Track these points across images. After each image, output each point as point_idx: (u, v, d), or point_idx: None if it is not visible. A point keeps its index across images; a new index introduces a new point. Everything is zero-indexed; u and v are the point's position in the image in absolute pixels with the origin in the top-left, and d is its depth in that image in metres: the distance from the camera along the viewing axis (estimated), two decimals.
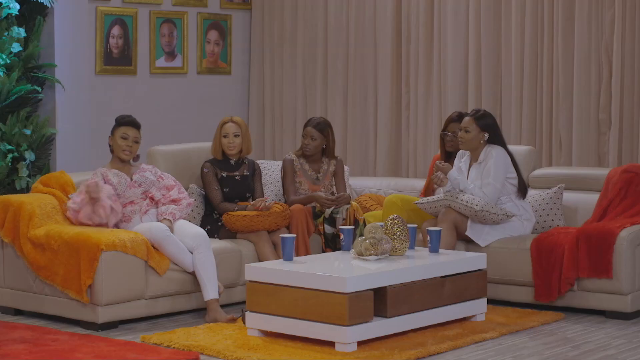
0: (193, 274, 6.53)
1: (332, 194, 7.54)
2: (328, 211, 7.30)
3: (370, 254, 6.08)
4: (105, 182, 6.60)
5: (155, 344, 5.85)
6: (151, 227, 6.47)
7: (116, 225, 6.62)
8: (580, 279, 6.58)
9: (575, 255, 6.54)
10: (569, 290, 6.61)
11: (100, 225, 6.49)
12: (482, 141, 7.00)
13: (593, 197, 7.16)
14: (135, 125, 6.74)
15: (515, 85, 8.40)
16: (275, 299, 5.82)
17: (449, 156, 7.42)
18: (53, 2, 7.97)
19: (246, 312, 5.99)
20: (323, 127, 7.57)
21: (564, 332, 6.16)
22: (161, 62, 9.21)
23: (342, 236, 6.43)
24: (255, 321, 5.94)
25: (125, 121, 6.73)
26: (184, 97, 9.42)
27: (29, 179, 7.78)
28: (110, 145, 6.75)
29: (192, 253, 6.50)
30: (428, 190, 7.54)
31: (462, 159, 7.16)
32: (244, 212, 6.96)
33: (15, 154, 7.73)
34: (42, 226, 6.48)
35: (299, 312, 5.73)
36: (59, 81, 8.03)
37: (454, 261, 6.27)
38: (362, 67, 9.28)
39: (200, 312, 6.62)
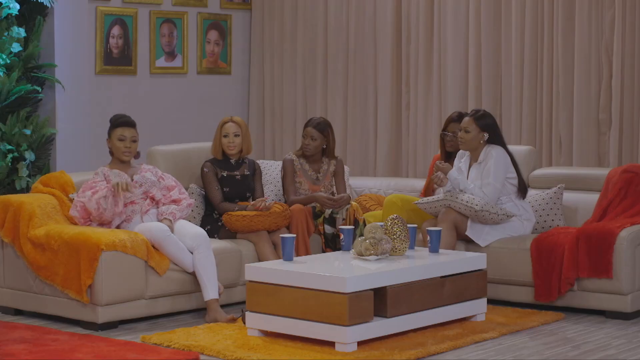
0: (193, 274, 6.53)
1: (332, 194, 7.54)
2: (328, 211, 7.30)
3: (370, 254, 6.08)
4: (104, 182, 6.60)
5: (155, 344, 5.85)
6: (151, 227, 6.47)
7: (117, 225, 6.62)
8: (580, 279, 6.58)
9: (575, 255, 6.54)
10: (569, 290, 6.61)
11: (101, 219, 6.48)
12: (482, 141, 7.00)
13: (593, 197, 7.16)
14: (131, 124, 6.73)
15: (515, 85, 8.40)
16: (275, 299, 5.82)
17: (449, 156, 7.42)
18: (53, 2, 7.97)
19: (246, 312, 5.99)
20: (323, 127, 7.57)
21: (564, 332, 6.17)
22: (161, 62, 9.21)
23: (342, 236, 6.43)
24: (255, 321, 5.94)
25: (121, 122, 6.71)
26: (184, 97, 9.42)
27: (29, 179, 7.78)
28: (109, 148, 6.74)
29: (192, 253, 6.50)
30: (428, 190, 7.54)
31: (462, 159, 7.16)
32: (244, 212, 6.96)
33: (15, 154, 7.73)
34: (42, 226, 6.48)
35: (299, 312, 5.73)
36: (59, 81, 8.04)
37: (454, 261, 6.27)
38: (362, 67, 9.28)
39: (200, 312, 6.62)
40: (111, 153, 6.76)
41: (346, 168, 7.93)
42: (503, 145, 7.05)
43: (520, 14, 8.36)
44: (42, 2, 7.91)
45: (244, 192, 7.20)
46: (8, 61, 7.74)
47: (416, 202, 7.10)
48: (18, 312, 6.70)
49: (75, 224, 6.60)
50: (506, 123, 8.47)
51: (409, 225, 6.39)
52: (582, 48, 8.05)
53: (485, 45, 8.55)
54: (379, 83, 9.17)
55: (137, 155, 6.79)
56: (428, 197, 7.07)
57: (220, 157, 7.24)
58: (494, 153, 6.95)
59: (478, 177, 6.97)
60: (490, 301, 6.70)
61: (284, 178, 7.58)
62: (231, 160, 7.24)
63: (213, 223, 7.10)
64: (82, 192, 6.55)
